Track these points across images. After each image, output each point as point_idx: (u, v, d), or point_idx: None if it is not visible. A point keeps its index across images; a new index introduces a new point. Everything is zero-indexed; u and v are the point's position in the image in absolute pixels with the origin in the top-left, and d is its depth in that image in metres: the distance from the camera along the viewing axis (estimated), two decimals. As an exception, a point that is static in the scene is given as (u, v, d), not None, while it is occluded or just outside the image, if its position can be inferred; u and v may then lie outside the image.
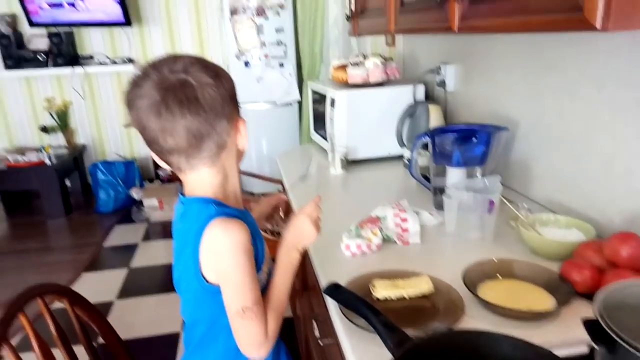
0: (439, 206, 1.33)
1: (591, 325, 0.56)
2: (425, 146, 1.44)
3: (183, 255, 0.84)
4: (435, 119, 1.68)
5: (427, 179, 1.46)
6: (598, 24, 0.64)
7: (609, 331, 0.54)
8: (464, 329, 0.81)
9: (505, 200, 1.16)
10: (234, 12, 3.68)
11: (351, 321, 0.82)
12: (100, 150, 4.55)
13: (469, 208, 1.15)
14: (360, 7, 1.79)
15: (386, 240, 1.18)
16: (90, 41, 4.25)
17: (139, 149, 4.56)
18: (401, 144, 1.78)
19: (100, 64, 4.19)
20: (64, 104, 4.31)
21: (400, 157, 1.85)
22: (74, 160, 4.28)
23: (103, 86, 4.38)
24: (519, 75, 1.40)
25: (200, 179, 0.84)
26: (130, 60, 4.23)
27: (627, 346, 0.52)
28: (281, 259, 0.90)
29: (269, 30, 3.76)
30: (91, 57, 4.22)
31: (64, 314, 1.05)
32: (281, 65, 3.86)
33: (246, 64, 3.83)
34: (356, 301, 0.78)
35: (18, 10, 4.00)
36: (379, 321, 0.70)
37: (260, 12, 3.69)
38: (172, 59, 0.78)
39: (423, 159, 1.55)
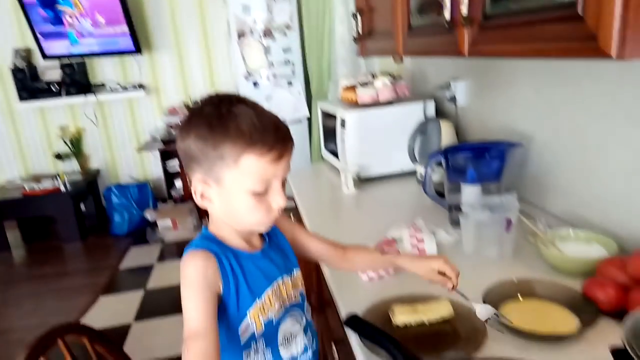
0: (455, 223, 1.32)
1: (619, 355, 0.55)
2: (439, 163, 1.44)
3: None
4: (447, 135, 1.68)
5: (441, 195, 1.45)
6: (614, 52, 0.63)
7: (639, 360, 0.53)
8: (485, 358, 0.79)
9: (523, 218, 1.15)
10: (241, 34, 3.74)
11: (372, 352, 0.82)
12: (114, 174, 4.61)
13: (486, 227, 1.14)
14: (367, 30, 1.80)
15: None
16: (102, 70, 4.33)
17: (152, 171, 4.61)
18: (413, 160, 1.78)
19: (112, 91, 4.27)
20: (77, 131, 4.39)
21: (413, 173, 1.85)
22: (89, 185, 4.34)
23: (115, 112, 4.46)
24: (533, 90, 1.39)
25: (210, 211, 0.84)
26: (141, 86, 4.30)
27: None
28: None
29: (277, 50, 3.81)
30: (103, 85, 4.30)
31: (84, 350, 1.07)
32: (289, 83, 3.90)
33: (255, 84, 3.87)
34: (377, 334, 0.77)
35: (32, 44, 4.10)
36: (402, 355, 0.70)
37: (267, 33, 3.74)
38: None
39: (436, 175, 1.55)
